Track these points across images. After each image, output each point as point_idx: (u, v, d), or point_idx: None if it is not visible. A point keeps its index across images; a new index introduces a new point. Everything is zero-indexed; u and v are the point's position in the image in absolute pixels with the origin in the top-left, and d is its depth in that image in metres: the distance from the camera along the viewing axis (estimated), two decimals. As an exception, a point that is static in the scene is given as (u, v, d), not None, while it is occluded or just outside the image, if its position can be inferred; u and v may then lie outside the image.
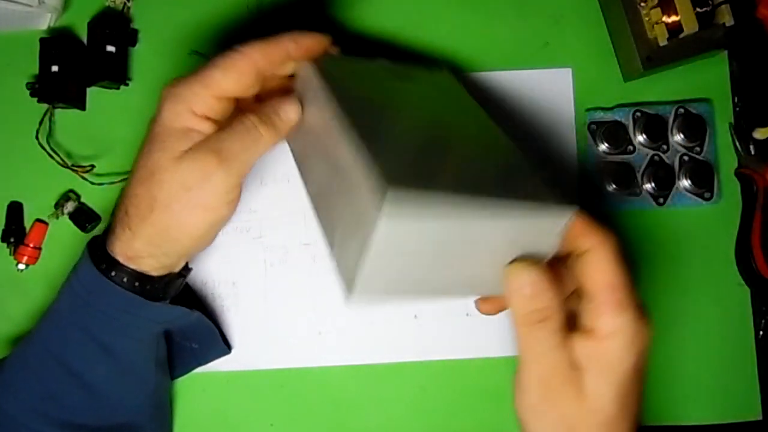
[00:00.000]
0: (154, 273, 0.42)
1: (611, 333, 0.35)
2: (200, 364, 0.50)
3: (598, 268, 0.36)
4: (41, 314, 0.46)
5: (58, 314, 0.44)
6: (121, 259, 0.41)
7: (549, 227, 0.35)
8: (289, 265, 0.52)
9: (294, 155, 0.43)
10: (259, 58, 0.40)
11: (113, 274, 0.41)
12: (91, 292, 0.42)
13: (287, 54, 0.42)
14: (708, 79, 0.55)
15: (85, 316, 0.42)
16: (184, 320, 0.46)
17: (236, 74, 0.40)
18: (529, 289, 0.35)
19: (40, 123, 0.50)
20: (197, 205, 0.40)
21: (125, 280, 0.41)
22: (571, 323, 0.37)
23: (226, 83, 0.40)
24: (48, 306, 0.45)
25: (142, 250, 0.41)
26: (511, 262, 0.35)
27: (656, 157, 0.53)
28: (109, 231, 0.43)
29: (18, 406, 0.43)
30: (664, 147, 0.54)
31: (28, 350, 0.44)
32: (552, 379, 0.36)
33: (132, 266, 0.41)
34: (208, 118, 0.40)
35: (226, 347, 0.51)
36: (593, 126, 0.54)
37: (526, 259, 0.35)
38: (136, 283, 0.42)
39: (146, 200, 0.40)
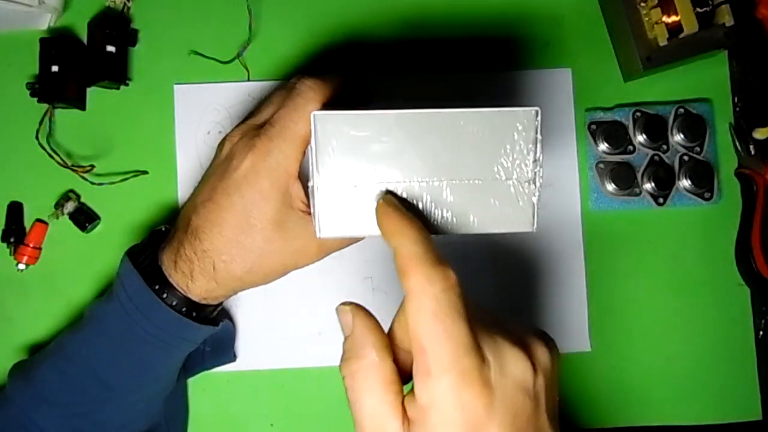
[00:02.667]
0: (214, 303, 0.44)
1: (427, 404, 0.29)
2: (206, 369, 0.50)
3: (411, 323, 0.29)
4: (77, 321, 0.46)
5: (104, 332, 0.43)
6: (195, 299, 0.42)
7: (511, 121, 0.35)
8: (289, 265, 0.52)
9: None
10: (322, 98, 0.41)
11: (165, 296, 0.42)
12: (145, 315, 0.42)
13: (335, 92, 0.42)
14: (708, 79, 0.55)
15: (135, 337, 0.42)
16: (214, 331, 0.46)
17: (307, 119, 0.39)
18: (347, 330, 0.32)
19: (40, 123, 0.50)
20: (289, 271, 0.43)
21: (175, 303, 0.42)
22: None
23: (303, 130, 0.40)
24: (86, 316, 0.45)
25: (222, 295, 0.43)
26: (342, 304, 0.33)
27: (656, 157, 0.53)
28: (166, 254, 0.42)
29: (51, 420, 0.43)
30: (664, 147, 0.54)
31: (67, 365, 0.44)
32: None
33: (196, 300, 0.42)
34: (298, 176, 0.41)
35: (233, 355, 0.51)
36: (593, 126, 0.54)
37: (355, 304, 0.33)
38: (184, 308, 0.42)
39: (240, 263, 0.41)
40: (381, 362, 0.31)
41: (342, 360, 0.32)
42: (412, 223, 0.31)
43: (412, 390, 0.30)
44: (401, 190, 0.35)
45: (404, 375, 0.31)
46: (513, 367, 0.30)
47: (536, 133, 0.35)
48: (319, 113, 0.35)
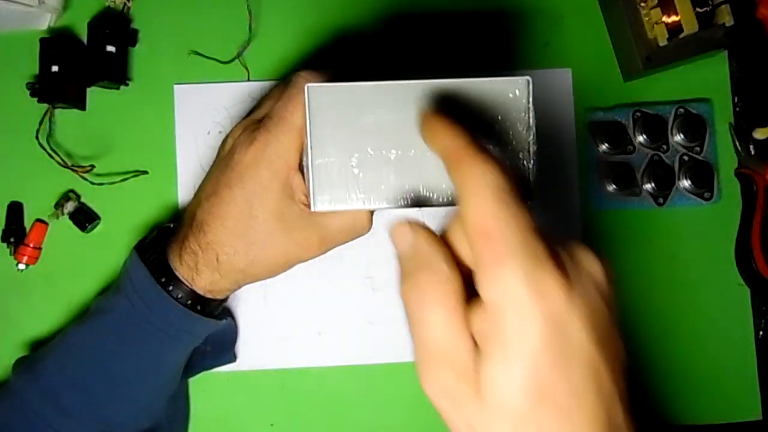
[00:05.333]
0: (220, 297, 0.44)
1: (498, 298, 0.25)
2: (205, 369, 0.50)
3: (470, 211, 0.26)
4: (79, 319, 0.46)
5: (110, 325, 0.44)
6: (200, 292, 0.43)
7: (503, 90, 0.35)
8: (289, 265, 0.52)
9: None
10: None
11: (171, 288, 0.42)
12: (152, 310, 0.42)
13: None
14: (708, 79, 0.55)
15: (140, 329, 0.43)
16: (218, 326, 0.47)
17: (301, 108, 0.38)
18: (407, 246, 0.29)
19: (40, 123, 0.50)
20: (292, 265, 0.43)
21: (181, 296, 0.42)
22: None
23: (300, 120, 0.40)
24: (92, 309, 0.45)
25: (226, 288, 0.43)
26: (397, 223, 0.30)
27: (656, 157, 0.53)
28: (172, 249, 0.43)
29: (56, 413, 0.43)
30: (664, 147, 0.54)
31: (72, 358, 0.44)
32: (446, 371, 0.26)
33: (202, 293, 0.43)
34: (299, 167, 0.41)
35: (234, 355, 0.51)
36: (593, 126, 0.54)
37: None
38: (190, 301, 0.43)
39: (243, 255, 0.41)
40: (453, 276, 0.27)
41: (405, 276, 0.28)
42: (456, 123, 0.30)
43: (470, 306, 0.27)
44: (395, 161, 0.35)
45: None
46: (587, 264, 0.27)
47: (528, 102, 0.35)
48: (312, 85, 0.35)
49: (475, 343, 0.26)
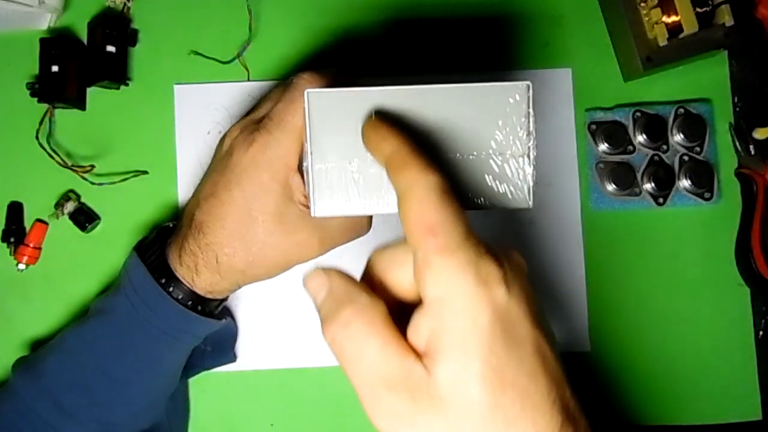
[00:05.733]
0: (220, 297, 0.44)
1: (444, 291, 0.25)
2: (206, 369, 0.50)
3: (413, 212, 0.27)
4: (78, 319, 0.46)
5: (110, 325, 0.44)
6: (200, 293, 0.43)
7: (503, 95, 0.35)
8: (289, 265, 0.52)
9: None
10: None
11: (171, 289, 0.42)
12: (152, 310, 0.42)
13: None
14: (708, 79, 0.55)
15: (140, 330, 0.43)
16: (218, 326, 0.47)
17: (302, 110, 0.38)
18: (322, 291, 0.29)
19: (40, 123, 0.50)
20: (292, 265, 0.43)
21: (181, 297, 0.42)
22: None
23: (300, 122, 0.40)
24: (92, 310, 0.45)
25: (226, 289, 0.43)
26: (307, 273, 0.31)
27: (656, 157, 0.53)
28: (171, 250, 0.43)
29: (56, 413, 0.43)
30: (664, 147, 0.54)
31: (71, 358, 0.44)
32: (397, 396, 0.26)
33: (201, 294, 0.43)
34: (298, 168, 0.41)
35: (234, 355, 0.51)
36: (593, 126, 0.54)
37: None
38: (189, 302, 0.43)
39: (243, 256, 0.41)
40: (375, 302, 0.28)
41: (326, 320, 0.28)
42: (399, 131, 0.30)
43: (409, 322, 0.27)
44: None
45: None
46: (513, 256, 0.28)
47: (528, 107, 0.35)
48: (312, 90, 0.35)
49: (418, 357, 0.26)
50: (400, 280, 0.30)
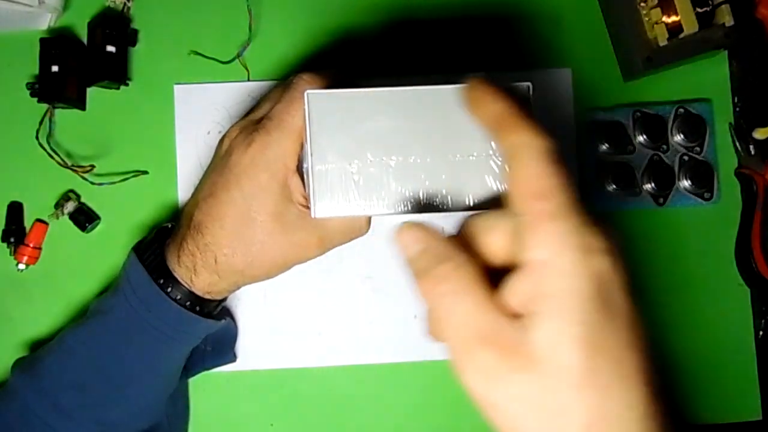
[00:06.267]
0: (219, 297, 0.44)
1: (548, 255, 0.26)
2: (206, 369, 0.50)
3: (524, 173, 0.27)
4: (79, 319, 0.46)
5: (108, 325, 0.44)
6: (199, 293, 0.42)
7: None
8: (289, 265, 0.52)
9: None
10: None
11: (169, 289, 0.42)
12: (151, 310, 0.42)
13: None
14: (708, 79, 0.55)
15: (139, 330, 0.43)
16: (217, 326, 0.46)
17: (302, 111, 0.38)
18: (418, 245, 0.29)
19: (40, 123, 0.50)
20: (291, 266, 0.43)
21: (179, 297, 0.42)
22: None
23: (300, 123, 0.40)
24: (91, 310, 0.45)
25: (225, 289, 0.43)
26: (400, 226, 0.30)
27: (656, 157, 0.53)
28: (170, 250, 0.43)
29: (55, 413, 0.43)
30: (664, 147, 0.54)
31: (70, 358, 0.44)
32: (488, 353, 0.26)
33: (200, 294, 0.43)
34: (297, 169, 0.41)
35: (234, 355, 0.51)
36: (593, 126, 0.54)
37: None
38: (188, 302, 0.43)
39: (241, 256, 0.41)
40: (471, 261, 0.28)
41: (423, 275, 0.28)
42: (505, 92, 0.30)
43: (505, 282, 0.27)
44: (395, 168, 0.35)
45: None
46: (612, 228, 0.28)
47: (529, 107, 0.35)
48: (312, 92, 0.35)
49: (513, 317, 0.26)
50: (491, 243, 0.30)
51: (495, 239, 0.30)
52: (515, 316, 0.26)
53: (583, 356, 0.25)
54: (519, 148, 0.28)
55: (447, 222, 0.52)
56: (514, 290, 0.27)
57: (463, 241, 0.30)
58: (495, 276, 0.28)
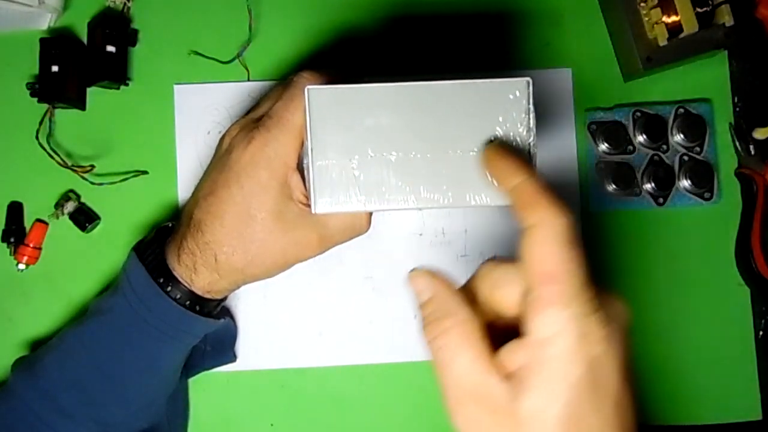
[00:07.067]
0: (219, 297, 0.44)
1: (548, 336, 0.28)
2: (206, 369, 0.50)
3: (537, 252, 0.28)
4: (79, 318, 0.46)
5: (108, 325, 0.44)
6: (199, 292, 0.42)
7: (504, 91, 0.35)
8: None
9: None
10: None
11: (169, 288, 0.42)
12: (150, 310, 0.42)
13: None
14: (708, 79, 0.55)
15: (139, 329, 0.43)
16: (217, 326, 0.46)
17: (302, 109, 0.38)
18: (427, 294, 0.31)
19: (40, 123, 0.50)
20: (291, 264, 0.43)
21: (179, 296, 0.42)
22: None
23: (300, 120, 0.40)
24: (91, 310, 0.45)
25: (225, 288, 0.43)
26: (414, 270, 0.32)
27: (656, 157, 0.53)
28: (170, 249, 0.43)
29: (54, 413, 0.43)
30: (664, 147, 0.54)
31: (70, 358, 0.44)
32: (477, 407, 0.29)
33: (200, 293, 0.43)
34: (297, 167, 0.41)
35: (234, 355, 0.51)
36: (593, 126, 0.54)
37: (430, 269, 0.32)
38: (188, 302, 0.42)
39: (242, 255, 0.41)
40: (473, 318, 0.30)
41: (427, 323, 0.30)
42: (524, 162, 0.31)
43: (506, 345, 0.29)
44: (396, 163, 0.35)
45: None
46: (618, 309, 0.30)
47: (529, 103, 0.35)
48: (313, 87, 0.35)
49: (506, 377, 0.28)
50: (504, 298, 0.31)
51: (507, 295, 0.31)
52: (509, 376, 0.28)
53: (560, 429, 0.27)
54: (536, 224, 0.29)
55: (447, 222, 0.52)
56: (514, 355, 0.29)
57: (474, 290, 0.32)
58: (502, 326, 0.30)
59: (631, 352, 0.30)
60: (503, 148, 0.33)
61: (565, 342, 0.27)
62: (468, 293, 0.32)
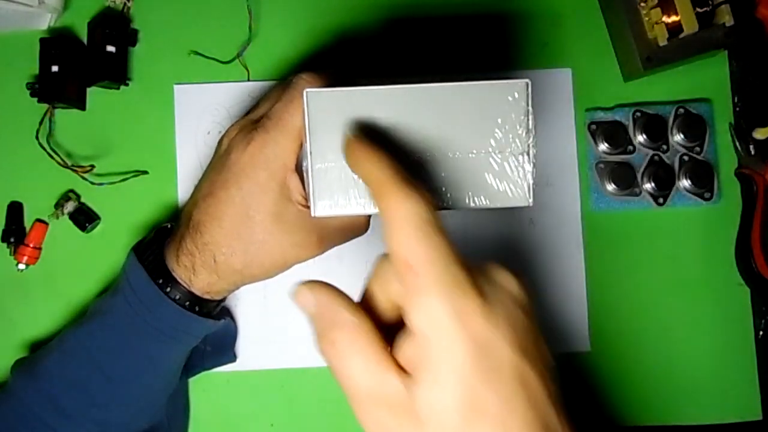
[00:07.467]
0: (218, 297, 0.44)
1: (424, 325, 0.26)
2: (206, 369, 0.50)
3: (394, 243, 0.27)
4: (79, 319, 0.46)
5: (108, 325, 0.44)
6: (198, 293, 0.42)
7: (503, 93, 0.35)
8: (289, 265, 0.52)
9: None
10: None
11: (168, 289, 0.42)
12: (150, 311, 0.42)
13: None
14: (708, 79, 0.55)
15: (138, 330, 0.43)
16: (216, 326, 0.46)
17: (300, 111, 0.38)
18: (311, 308, 0.30)
19: (40, 123, 0.50)
20: (290, 265, 0.43)
21: (178, 297, 0.42)
22: None
23: (299, 122, 0.40)
24: (91, 311, 0.46)
25: (224, 289, 0.43)
26: (296, 288, 0.31)
27: (656, 157, 0.53)
28: (169, 250, 0.43)
29: (55, 414, 0.43)
30: (664, 147, 0.54)
31: (70, 359, 0.44)
32: (380, 410, 0.28)
33: (199, 294, 0.43)
34: (296, 169, 0.41)
35: (234, 355, 0.51)
36: (593, 126, 0.54)
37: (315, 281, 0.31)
38: (187, 302, 0.42)
39: (240, 256, 0.41)
40: (360, 322, 0.29)
41: (318, 335, 0.30)
42: (380, 152, 0.30)
43: (396, 341, 0.28)
44: None
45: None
46: (504, 282, 0.29)
47: (528, 104, 0.35)
48: (311, 90, 0.35)
49: (405, 372, 0.27)
50: (392, 294, 0.30)
51: (394, 290, 0.30)
52: (403, 373, 0.27)
53: (460, 418, 0.26)
54: (388, 214, 0.28)
55: (446, 223, 0.52)
56: (402, 352, 0.28)
57: (371, 289, 0.31)
58: (395, 328, 0.29)
59: (534, 321, 0.28)
60: (357, 139, 0.32)
61: (441, 328, 0.26)
62: (368, 293, 0.31)
